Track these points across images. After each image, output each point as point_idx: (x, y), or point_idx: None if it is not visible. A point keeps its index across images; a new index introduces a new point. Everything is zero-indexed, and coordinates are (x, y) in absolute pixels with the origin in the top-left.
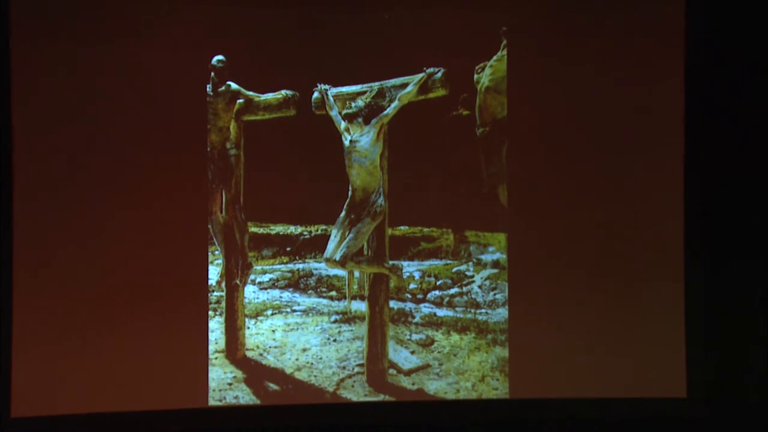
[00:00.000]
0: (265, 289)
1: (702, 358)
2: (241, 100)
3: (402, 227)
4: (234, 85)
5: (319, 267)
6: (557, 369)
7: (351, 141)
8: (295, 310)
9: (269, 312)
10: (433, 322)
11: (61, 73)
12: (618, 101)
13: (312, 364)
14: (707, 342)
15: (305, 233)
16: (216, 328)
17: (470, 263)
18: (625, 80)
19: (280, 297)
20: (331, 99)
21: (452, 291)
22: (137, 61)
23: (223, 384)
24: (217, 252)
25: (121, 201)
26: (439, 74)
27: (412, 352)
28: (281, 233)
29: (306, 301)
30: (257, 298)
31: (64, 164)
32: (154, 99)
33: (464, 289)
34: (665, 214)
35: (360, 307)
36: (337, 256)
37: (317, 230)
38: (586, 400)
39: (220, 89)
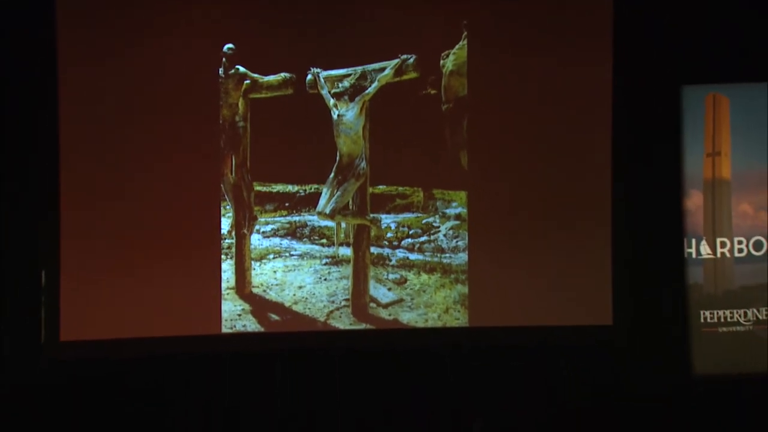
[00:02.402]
0: (268, 237)
1: (625, 292)
2: (247, 81)
3: (381, 186)
4: (242, 69)
5: (312, 219)
6: (507, 302)
7: (338, 115)
8: (292, 255)
9: (271, 256)
10: (406, 265)
11: (101, 57)
12: (556, 81)
13: (306, 298)
14: (632, 278)
15: (301, 191)
16: (227, 269)
17: (437, 216)
18: (562, 63)
19: (280, 244)
20: (322, 80)
21: (422, 239)
22: (163, 51)
23: (234, 315)
24: (228, 207)
25: (150, 164)
26: (411, 60)
27: (389, 289)
28: (281, 191)
29: (301, 247)
30: (261, 244)
31: (105, 130)
32: (176, 81)
33: (431, 237)
34: (596, 171)
35: (346, 252)
36: (327, 210)
37: (311, 189)
38: (531, 327)
39: (230, 72)
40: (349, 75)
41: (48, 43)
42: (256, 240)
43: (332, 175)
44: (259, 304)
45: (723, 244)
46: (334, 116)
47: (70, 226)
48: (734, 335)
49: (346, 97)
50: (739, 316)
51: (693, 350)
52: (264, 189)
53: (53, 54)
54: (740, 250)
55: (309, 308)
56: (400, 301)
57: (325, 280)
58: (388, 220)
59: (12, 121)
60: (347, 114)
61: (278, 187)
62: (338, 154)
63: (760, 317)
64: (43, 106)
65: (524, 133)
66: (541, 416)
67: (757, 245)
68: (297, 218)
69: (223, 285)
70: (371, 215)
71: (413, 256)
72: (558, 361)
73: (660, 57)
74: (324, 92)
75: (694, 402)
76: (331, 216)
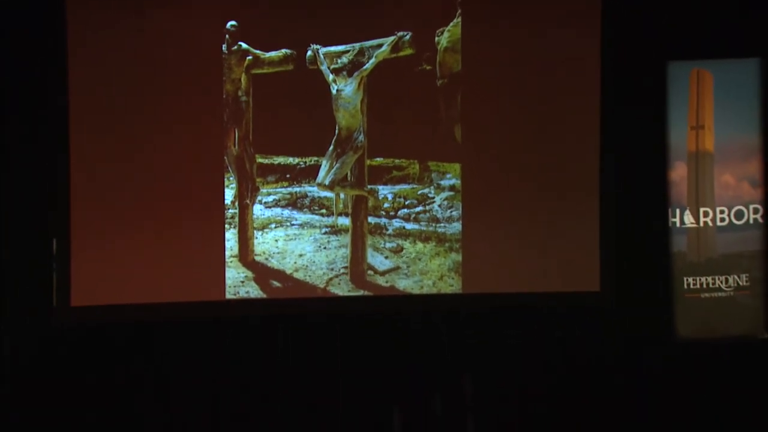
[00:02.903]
0: (270, 207)
1: (612, 260)
2: (249, 57)
3: (378, 159)
4: (244, 45)
5: (312, 190)
6: (499, 269)
7: (337, 90)
8: (293, 224)
9: (273, 225)
10: (402, 234)
11: (112, 32)
12: (547, 57)
13: (307, 266)
14: (618, 246)
15: (301, 163)
16: (231, 238)
17: (432, 187)
18: (552, 40)
19: (282, 214)
20: (322, 56)
21: (417, 209)
22: (168, 28)
23: (237, 282)
24: (231, 178)
25: (156, 137)
26: (407, 37)
27: (386, 257)
28: (282, 163)
29: (302, 217)
30: (263, 214)
31: (114, 104)
32: (181, 57)
33: (427, 207)
34: (585, 143)
35: (345, 221)
36: (327, 181)
37: (311, 161)
38: (522, 293)
39: (233, 48)
40: (348, 51)
41: (58, 21)
42: (258, 210)
43: (331, 147)
44: (261, 272)
45: (706, 214)
46: (333, 91)
47: (79, 197)
48: (716, 301)
49: (344, 73)
50: (721, 282)
51: (676, 315)
52: (266, 161)
53: (63, 33)
54: (722, 220)
55: (309, 275)
56: (396, 268)
57: (325, 248)
58: (385, 191)
59: (23, 93)
60: (346, 89)
61: (279, 160)
62: (337, 127)
63: (741, 284)
64: (54, 80)
65: (516, 107)
66: (530, 375)
67: (738, 215)
68: (297, 189)
69: (227, 253)
70: (369, 186)
71: (409, 226)
72: (547, 324)
73: (647, 34)
74: (323, 68)
75: (676, 363)
76: (330, 187)
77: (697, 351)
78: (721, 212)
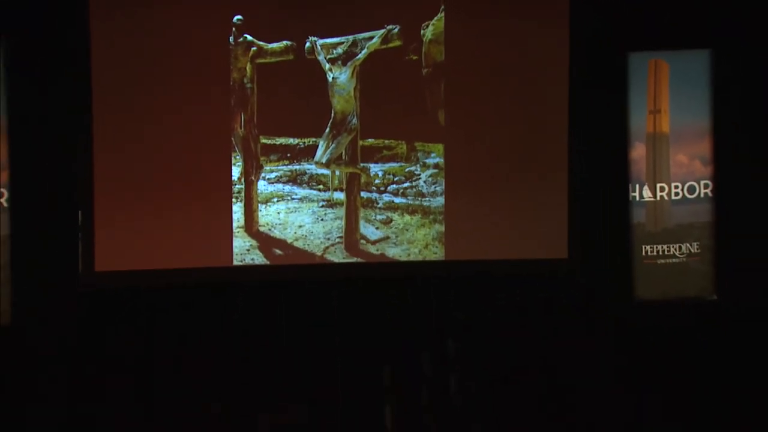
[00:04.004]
0: (272, 183)
1: (579, 230)
2: (254, 48)
3: (369, 139)
4: (249, 37)
5: (310, 168)
6: (478, 238)
7: (333, 78)
8: (293, 198)
9: (275, 200)
10: (391, 207)
11: (131, 27)
12: (521, 47)
13: (306, 236)
14: (584, 218)
15: (300, 144)
16: (237, 210)
17: (418, 165)
18: (525, 32)
19: (283, 189)
20: (319, 47)
21: (405, 185)
22: (182, 21)
23: (243, 250)
24: (238, 157)
25: (171, 120)
26: (396, 30)
27: (377, 228)
28: (283, 143)
29: (301, 192)
30: (266, 189)
31: (133, 91)
32: (193, 48)
33: (413, 183)
34: (555, 125)
35: (340, 196)
36: (324, 160)
37: (309, 141)
38: (499, 260)
39: (239, 40)
40: (342, 43)
41: (83, 16)
42: (262, 185)
43: (327, 129)
44: (264, 241)
45: (662, 189)
46: (329, 79)
47: (102, 174)
48: (670, 266)
49: (339, 62)
50: (675, 250)
51: (636, 279)
52: (269, 142)
53: (86, 27)
54: (676, 194)
55: (308, 244)
56: (386, 238)
57: (322, 220)
58: (376, 168)
59: (52, 80)
60: (340, 77)
61: (281, 140)
62: (333, 111)
63: (692, 251)
64: (77, 69)
65: (493, 92)
66: (506, 335)
67: (691, 189)
68: (297, 167)
69: (234, 224)
70: (361, 164)
71: (397, 200)
72: (521, 288)
73: (610, 27)
74: (320, 58)
75: (636, 321)
76: (326, 165)
77: (653, 311)
78: (676, 187)
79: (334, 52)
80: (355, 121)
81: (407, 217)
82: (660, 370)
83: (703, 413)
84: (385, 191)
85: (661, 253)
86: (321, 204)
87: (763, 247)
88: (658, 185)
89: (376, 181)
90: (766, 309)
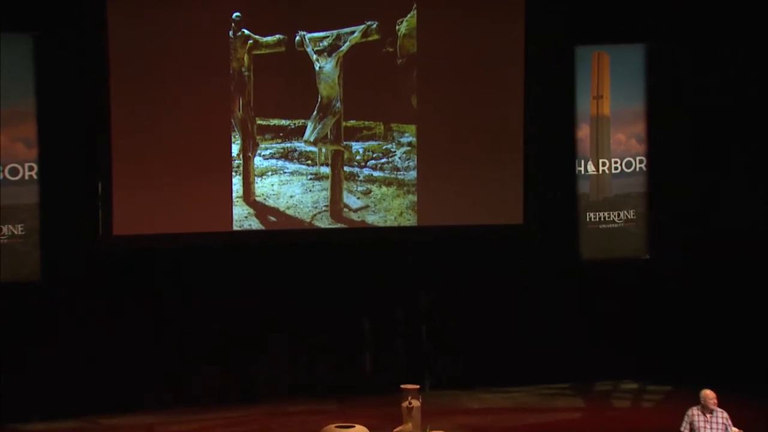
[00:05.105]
0: (267, 159)
1: (532, 199)
2: (251, 41)
3: (352, 121)
4: (246, 32)
5: (300, 145)
6: (446, 207)
7: (320, 67)
8: (285, 172)
9: (269, 173)
10: (370, 180)
11: (146, 21)
12: (483, 42)
13: (296, 205)
14: (537, 189)
15: (291, 124)
16: (236, 182)
17: (393, 143)
18: (487, 28)
19: (276, 164)
20: (307, 40)
21: (382, 160)
22: (188, 18)
23: (242, 217)
24: (237, 136)
25: (179, 104)
26: (374, 25)
27: (358, 198)
28: (277, 124)
29: (292, 166)
30: (262, 164)
31: (147, 77)
32: (198, 41)
33: (390, 159)
34: (513, 109)
35: (326, 170)
36: (312, 139)
37: (299, 122)
38: (463, 226)
39: (237, 34)
40: (328, 36)
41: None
42: (258, 161)
43: (315, 112)
44: (260, 209)
45: (603, 164)
46: (316, 68)
47: (119, 151)
48: (611, 230)
49: (325, 54)
50: (614, 216)
51: (581, 241)
52: (264, 123)
53: (104, 22)
54: (616, 168)
55: (298, 212)
56: (366, 207)
57: (310, 191)
58: (357, 146)
59: (74, 70)
60: (326, 66)
61: (275, 121)
62: (319, 96)
63: (629, 217)
64: (97, 60)
65: (459, 80)
66: (471, 290)
67: (628, 164)
68: (288, 145)
69: (234, 195)
70: (345, 143)
71: (376, 173)
72: (483, 250)
73: (559, 24)
74: (308, 50)
75: (581, 277)
76: (314, 143)
77: (596, 268)
78: (615, 162)
79: (321, 44)
80: (339, 104)
81: (384, 189)
82: (603, 315)
83: (635, 344)
84: (365, 166)
85: (602, 219)
86: (309, 177)
87: (688, 214)
88: (600, 161)
89: (357, 158)
90: (688, 265)
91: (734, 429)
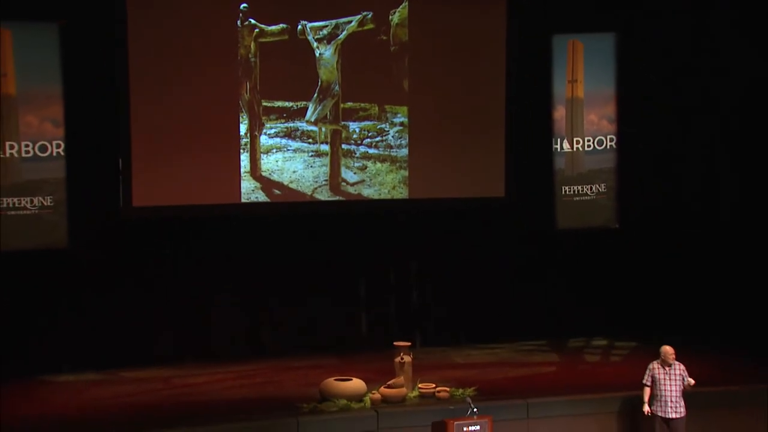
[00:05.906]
0: (272, 137)
1: (513, 174)
2: (257, 30)
3: (349, 102)
4: (253, 21)
5: (302, 125)
6: (435, 181)
7: (320, 53)
8: (288, 149)
9: (274, 150)
10: (366, 156)
11: (160, 12)
12: (469, 30)
13: (298, 179)
14: (517, 165)
15: (294, 106)
16: (244, 159)
17: (387, 123)
18: (472, 17)
19: (280, 142)
20: (308, 29)
21: (377, 139)
22: (200, 9)
23: (249, 190)
24: (244, 116)
25: (192, 86)
26: (370, 15)
27: (355, 173)
28: (281, 106)
29: (295, 144)
30: (267, 142)
31: (163, 63)
32: (208, 30)
33: (383, 138)
34: (495, 92)
35: (325, 147)
36: (312, 119)
37: (301, 104)
38: (451, 198)
39: (244, 23)
40: (327, 26)
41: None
42: (263, 139)
43: (315, 95)
44: (266, 183)
45: (577, 142)
46: (317, 54)
47: (138, 129)
48: (584, 202)
49: (324, 41)
50: (587, 189)
51: (557, 212)
52: (269, 104)
53: (124, 12)
54: (588, 146)
55: (300, 186)
56: (362, 181)
57: (311, 167)
58: (354, 126)
59: (97, 56)
60: (326, 53)
61: (279, 103)
62: (319, 80)
63: (601, 190)
64: (118, 48)
65: (447, 65)
66: (458, 256)
67: (600, 142)
68: (291, 124)
69: (242, 170)
70: (342, 123)
71: (371, 151)
72: (469, 220)
73: (538, 14)
74: (310, 38)
75: (557, 245)
76: (315, 123)
77: (571, 236)
78: (588, 141)
79: (321, 33)
80: (337, 88)
81: (379, 165)
82: (576, 279)
83: (605, 304)
84: (361, 144)
85: (576, 192)
86: (310, 154)
87: (652, 186)
88: (575, 139)
89: (354, 136)
90: (652, 234)
91: (690, 379)
